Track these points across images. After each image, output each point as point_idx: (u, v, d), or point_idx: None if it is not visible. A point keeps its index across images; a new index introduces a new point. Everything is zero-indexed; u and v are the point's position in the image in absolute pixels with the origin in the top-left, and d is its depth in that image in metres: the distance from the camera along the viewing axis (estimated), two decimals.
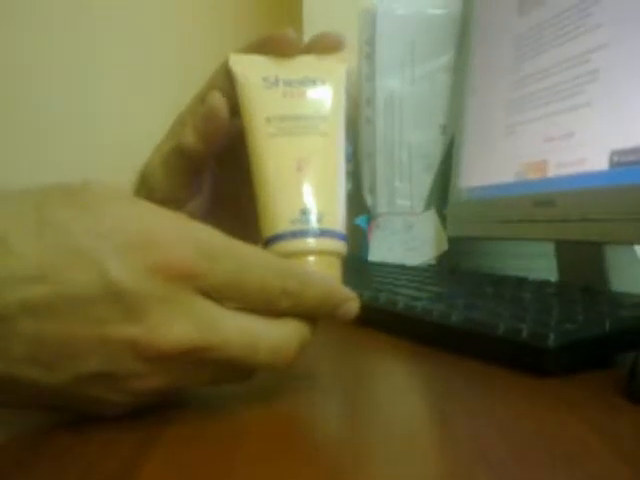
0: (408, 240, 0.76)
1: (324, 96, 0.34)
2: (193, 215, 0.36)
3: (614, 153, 0.48)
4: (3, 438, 0.26)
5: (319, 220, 0.31)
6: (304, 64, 0.35)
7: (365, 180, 0.81)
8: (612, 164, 0.48)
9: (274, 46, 0.34)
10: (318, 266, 0.31)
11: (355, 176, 0.83)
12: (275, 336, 0.26)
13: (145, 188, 0.36)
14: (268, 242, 0.31)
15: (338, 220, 0.32)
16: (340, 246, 0.32)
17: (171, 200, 0.36)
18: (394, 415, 0.29)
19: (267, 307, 0.26)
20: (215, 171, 0.38)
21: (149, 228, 0.24)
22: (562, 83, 0.55)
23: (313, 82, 0.34)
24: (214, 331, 0.25)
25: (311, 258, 0.31)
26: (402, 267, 0.68)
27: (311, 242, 0.31)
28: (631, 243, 0.51)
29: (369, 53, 0.78)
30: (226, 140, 0.35)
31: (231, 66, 0.34)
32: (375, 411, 0.29)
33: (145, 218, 0.25)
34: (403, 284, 0.53)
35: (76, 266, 0.23)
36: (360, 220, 0.81)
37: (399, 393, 0.33)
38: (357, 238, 0.81)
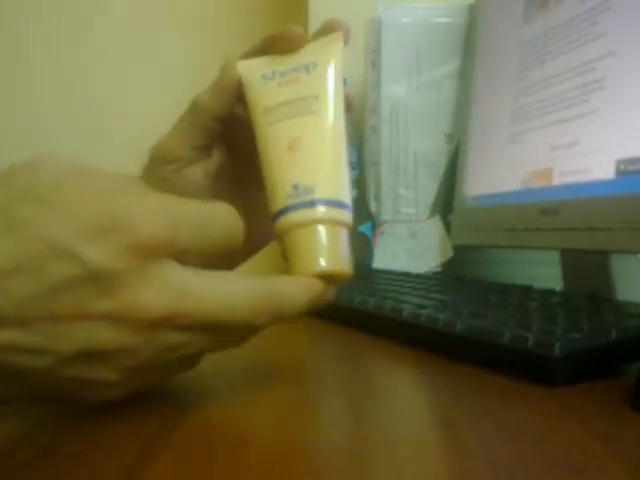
0: (413, 248, 0.76)
1: (315, 77, 0.35)
2: (193, 182, 0.38)
3: (620, 162, 0.48)
4: (8, 441, 0.26)
5: (313, 192, 0.32)
6: (301, 52, 0.36)
7: (370, 188, 0.81)
8: (618, 173, 0.48)
9: (280, 44, 0.36)
10: (318, 235, 0.31)
11: (360, 184, 0.83)
12: (246, 294, 0.27)
13: (152, 154, 0.38)
14: (273, 220, 0.33)
15: (337, 190, 0.33)
16: (342, 214, 0.32)
17: (173, 159, 0.37)
18: (399, 422, 0.28)
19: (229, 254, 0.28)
20: (225, 158, 0.40)
21: (110, 206, 0.25)
22: (568, 91, 0.55)
23: (306, 66, 0.35)
24: (188, 295, 0.25)
25: (309, 228, 0.31)
26: (407, 275, 0.68)
27: (307, 213, 0.32)
28: (636, 252, 0.51)
29: (374, 61, 0.78)
30: (236, 104, 0.36)
31: (239, 71, 0.36)
32: (379, 418, 0.29)
33: (103, 196, 0.25)
34: (408, 292, 0.53)
35: (50, 255, 0.23)
36: (364, 227, 0.81)
37: (403, 401, 0.33)
38: (362, 245, 0.81)
